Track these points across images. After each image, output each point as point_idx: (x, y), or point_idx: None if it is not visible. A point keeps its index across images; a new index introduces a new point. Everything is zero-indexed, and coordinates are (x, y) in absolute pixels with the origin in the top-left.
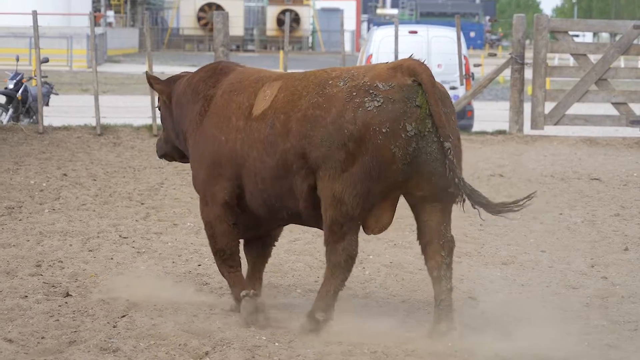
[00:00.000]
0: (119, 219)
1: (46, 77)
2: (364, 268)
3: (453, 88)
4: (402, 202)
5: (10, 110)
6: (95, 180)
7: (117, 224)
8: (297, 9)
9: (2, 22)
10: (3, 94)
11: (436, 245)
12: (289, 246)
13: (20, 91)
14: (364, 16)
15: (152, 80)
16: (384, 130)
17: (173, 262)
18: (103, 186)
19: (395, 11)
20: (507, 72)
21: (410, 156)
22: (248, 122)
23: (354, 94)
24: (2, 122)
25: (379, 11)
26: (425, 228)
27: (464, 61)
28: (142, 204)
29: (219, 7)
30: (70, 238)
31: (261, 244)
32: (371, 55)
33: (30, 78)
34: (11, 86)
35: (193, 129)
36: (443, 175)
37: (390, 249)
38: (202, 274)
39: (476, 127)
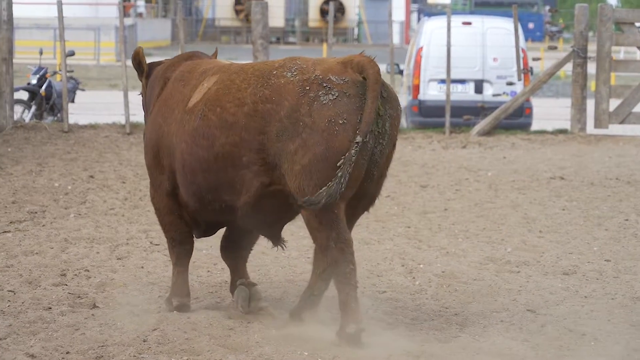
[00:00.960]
0: (149, 225)
1: (72, 71)
2: (414, 278)
3: (510, 83)
4: (460, 209)
5: (33, 108)
6: (124, 182)
7: (147, 230)
8: None
9: (25, 13)
10: (25, 89)
11: None
12: None
13: (44, 87)
14: (414, 6)
15: (143, 59)
16: (340, 122)
17: (208, 271)
18: (133, 189)
19: (447, 0)
20: (568, 67)
21: (369, 152)
22: (183, 114)
23: (307, 88)
24: (24, 120)
25: (430, 0)
26: None
27: (522, 55)
28: None
29: None
30: (98, 245)
31: (234, 248)
32: (422, 47)
33: (55, 73)
34: (34, 81)
35: (149, 111)
36: (375, 180)
37: (442, 258)
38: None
39: (535, 125)
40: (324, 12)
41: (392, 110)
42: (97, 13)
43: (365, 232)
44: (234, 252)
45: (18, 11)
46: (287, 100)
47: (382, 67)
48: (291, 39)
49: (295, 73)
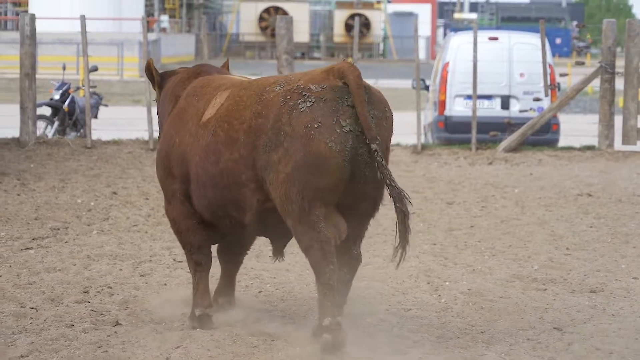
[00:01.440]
0: (172, 242)
1: (95, 87)
2: (439, 296)
3: (537, 99)
4: (486, 226)
5: (56, 123)
6: (147, 199)
7: (171, 247)
8: (367, 13)
9: (48, 28)
10: (48, 105)
11: (340, 260)
12: (358, 271)
13: (66, 102)
14: (440, 21)
15: (154, 71)
16: (316, 126)
17: None
18: (156, 205)
19: (474, 16)
20: (596, 82)
21: (349, 153)
22: (198, 128)
23: (288, 97)
24: (47, 136)
25: (456, 16)
26: None
27: (549, 70)
28: None
29: (282, 11)
30: (120, 262)
31: (231, 253)
32: (448, 63)
33: (78, 88)
34: (57, 97)
35: (162, 125)
36: (370, 182)
37: (468, 275)
38: (263, 301)
39: (562, 142)
40: (349, 27)
41: (377, 111)
42: (120, 28)
43: (390, 249)
44: (232, 257)
45: (41, 26)
46: (272, 112)
47: (408, 83)
48: (316, 54)
49: (282, 86)
